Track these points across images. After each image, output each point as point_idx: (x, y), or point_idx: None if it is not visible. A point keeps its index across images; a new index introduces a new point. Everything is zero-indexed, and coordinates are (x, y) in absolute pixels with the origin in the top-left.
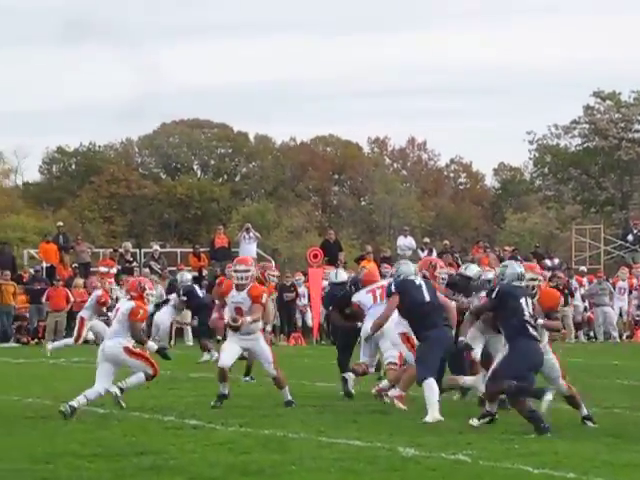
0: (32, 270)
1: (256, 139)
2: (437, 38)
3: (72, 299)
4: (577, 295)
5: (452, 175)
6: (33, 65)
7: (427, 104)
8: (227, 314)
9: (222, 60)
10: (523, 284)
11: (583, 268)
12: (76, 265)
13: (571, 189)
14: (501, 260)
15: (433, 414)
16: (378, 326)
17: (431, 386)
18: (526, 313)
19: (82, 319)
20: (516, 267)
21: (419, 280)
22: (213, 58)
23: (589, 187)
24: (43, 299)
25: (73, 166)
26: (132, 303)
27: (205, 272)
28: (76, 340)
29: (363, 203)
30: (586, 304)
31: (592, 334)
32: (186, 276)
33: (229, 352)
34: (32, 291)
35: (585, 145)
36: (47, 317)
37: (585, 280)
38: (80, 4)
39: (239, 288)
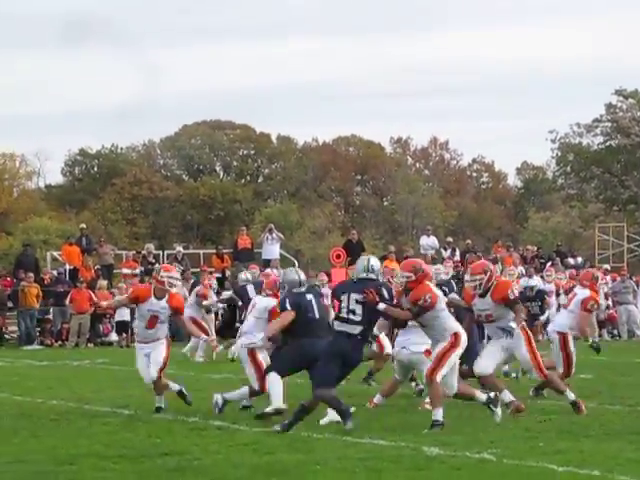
0: (55, 272)
1: (278, 140)
2: (459, 38)
3: (95, 301)
4: (600, 293)
5: (474, 174)
6: (52, 68)
7: (449, 104)
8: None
9: (244, 62)
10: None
11: (606, 266)
12: (99, 267)
13: (594, 187)
14: (524, 260)
15: (275, 404)
16: (266, 340)
17: (273, 380)
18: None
19: (193, 319)
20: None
21: (310, 295)
22: (234, 60)
23: (612, 185)
24: (66, 301)
25: (95, 168)
26: (272, 301)
27: (228, 273)
28: (207, 334)
29: (385, 203)
30: (609, 302)
31: (616, 332)
32: (242, 276)
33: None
34: (55, 293)
35: (607, 143)
36: (71, 319)
37: (608, 278)
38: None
39: (159, 296)
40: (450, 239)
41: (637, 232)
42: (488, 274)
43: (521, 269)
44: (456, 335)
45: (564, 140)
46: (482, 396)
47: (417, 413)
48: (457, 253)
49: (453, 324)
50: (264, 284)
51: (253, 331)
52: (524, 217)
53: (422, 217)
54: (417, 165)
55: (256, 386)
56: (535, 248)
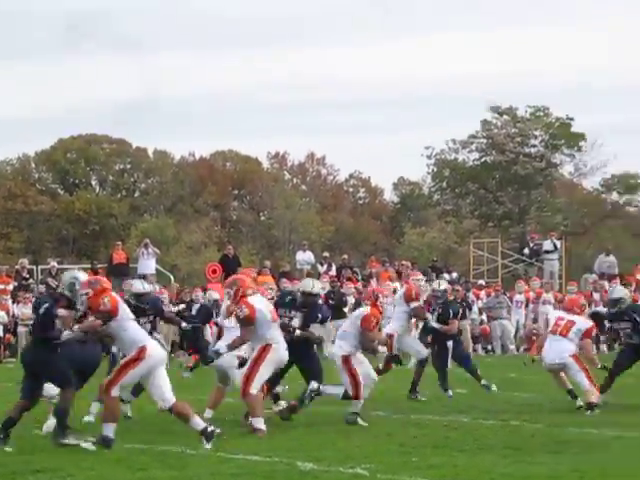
0: None
1: (155, 154)
2: (333, 53)
3: None
4: (475, 308)
5: (351, 190)
6: None
7: (326, 119)
8: None
9: (119, 75)
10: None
11: (481, 281)
12: None
13: (469, 203)
14: (399, 275)
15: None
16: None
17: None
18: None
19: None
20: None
21: None
22: (109, 73)
23: (487, 201)
24: None
25: None
26: (366, 309)
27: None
28: None
29: (262, 218)
30: (483, 317)
31: (490, 347)
32: (213, 295)
33: None
34: None
35: (483, 160)
36: None
37: (483, 293)
38: None
39: None
40: (326, 254)
41: (511, 248)
42: (234, 288)
43: (397, 284)
44: (142, 349)
45: (440, 156)
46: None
47: (292, 428)
48: (333, 268)
49: (142, 337)
50: (365, 295)
51: (346, 339)
52: (400, 232)
53: (299, 232)
54: (294, 180)
55: (351, 393)
56: (410, 263)
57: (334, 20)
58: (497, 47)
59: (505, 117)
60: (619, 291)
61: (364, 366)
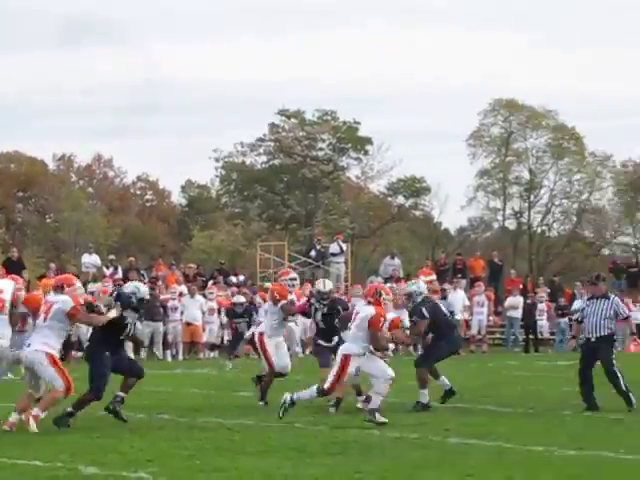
0: None
1: None
2: (122, 55)
3: None
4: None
5: (139, 192)
6: None
7: (113, 121)
8: None
9: None
10: None
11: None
12: None
13: (257, 206)
14: (186, 278)
15: None
16: None
17: None
18: None
19: None
20: None
21: None
22: None
23: (274, 204)
24: None
25: None
26: (372, 310)
27: None
28: None
29: (48, 220)
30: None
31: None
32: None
33: None
34: None
35: (271, 163)
36: None
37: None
38: None
39: None
40: (113, 257)
41: (298, 251)
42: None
43: (183, 287)
44: None
45: (228, 159)
46: None
47: (74, 433)
48: (119, 271)
49: None
50: (365, 291)
51: (356, 341)
52: (188, 235)
53: (85, 235)
54: (81, 182)
55: (326, 385)
56: (195, 266)
57: (127, 21)
58: (287, 52)
59: (293, 120)
60: (411, 285)
61: (379, 364)
